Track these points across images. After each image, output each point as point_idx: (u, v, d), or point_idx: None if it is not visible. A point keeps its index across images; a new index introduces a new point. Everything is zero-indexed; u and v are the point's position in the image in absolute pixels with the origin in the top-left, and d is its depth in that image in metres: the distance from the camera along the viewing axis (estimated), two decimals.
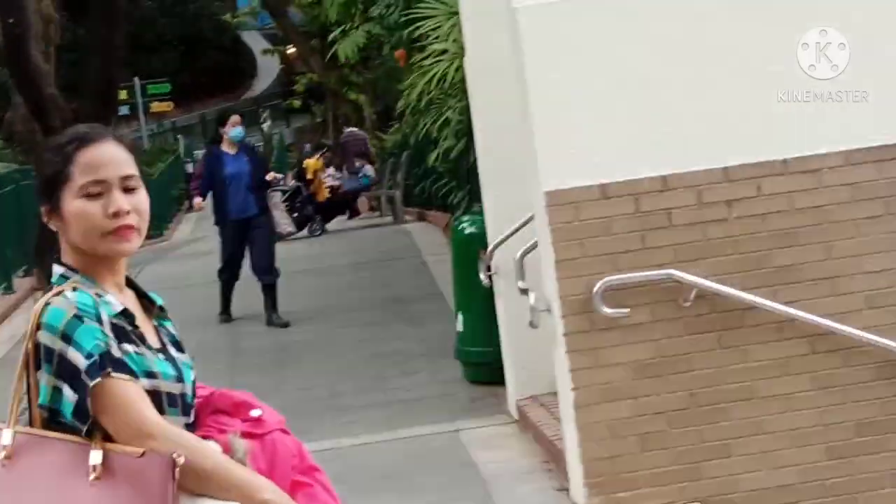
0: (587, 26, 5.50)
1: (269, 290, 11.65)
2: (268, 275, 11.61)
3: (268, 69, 51.99)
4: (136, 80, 43.61)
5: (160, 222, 28.17)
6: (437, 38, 10.79)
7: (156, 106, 45.83)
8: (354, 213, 21.41)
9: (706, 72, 5.51)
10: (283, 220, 19.11)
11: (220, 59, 50.33)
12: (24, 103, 22.29)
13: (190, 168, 35.72)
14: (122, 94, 38.38)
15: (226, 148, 11.74)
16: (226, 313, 11.99)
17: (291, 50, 35.65)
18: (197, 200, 12.53)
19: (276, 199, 17.95)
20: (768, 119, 5.54)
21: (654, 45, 5.51)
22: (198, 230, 26.27)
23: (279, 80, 49.69)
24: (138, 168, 2.52)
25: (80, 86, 28.25)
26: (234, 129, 11.71)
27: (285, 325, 11.40)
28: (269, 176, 12.11)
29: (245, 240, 11.67)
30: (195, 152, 38.95)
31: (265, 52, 41.92)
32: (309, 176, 20.87)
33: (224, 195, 11.60)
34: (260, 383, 9.33)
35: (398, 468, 7.03)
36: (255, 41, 49.60)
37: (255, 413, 2.60)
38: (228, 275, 11.86)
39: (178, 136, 43.62)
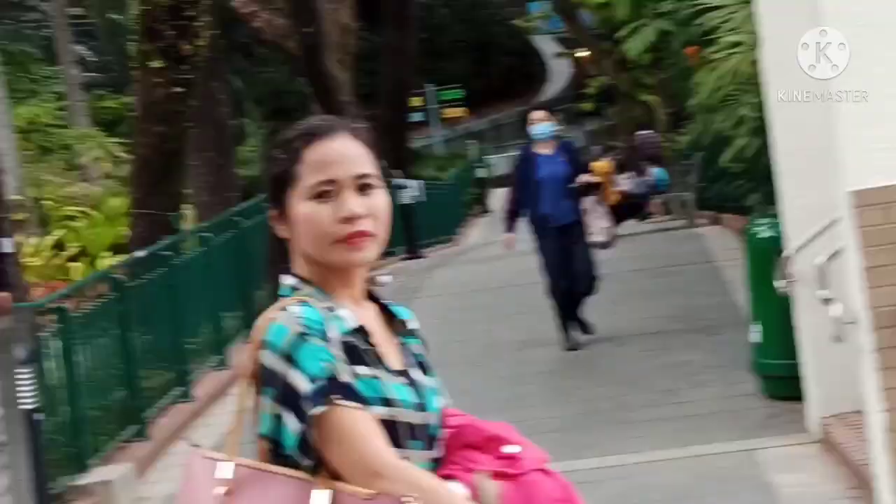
0: None
1: (576, 304, 10.57)
2: (587, 284, 10.51)
3: (559, 73, 52.10)
4: (430, 87, 44.53)
5: (451, 227, 28.52)
6: (729, 29, 10.24)
7: (449, 112, 46.70)
8: (645, 216, 21.01)
9: None
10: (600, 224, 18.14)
11: (511, 64, 50.75)
12: (320, 112, 23.09)
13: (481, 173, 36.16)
14: (416, 101, 39.24)
15: (538, 149, 10.54)
16: (567, 332, 10.47)
17: (583, 53, 35.41)
18: (506, 237, 10.89)
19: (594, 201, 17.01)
20: None
21: None
22: (489, 235, 26.42)
23: (571, 83, 49.65)
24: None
25: (375, 93, 29.08)
26: (536, 127, 10.52)
27: (578, 343, 10.49)
28: (581, 179, 10.61)
29: (566, 247, 10.38)
30: (485, 157, 39.40)
31: (557, 55, 41.88)
32: (598, 179, 20.56)
33: (537, 201, 10.35)
34: (542, 393, 9.10)
35: (687, 488, 6.67)
36: (546, 45, 49.72)
37: (510, 449, 2.21)
38: (557, 289, 10.44)
39: (470, 141, 44.18)
